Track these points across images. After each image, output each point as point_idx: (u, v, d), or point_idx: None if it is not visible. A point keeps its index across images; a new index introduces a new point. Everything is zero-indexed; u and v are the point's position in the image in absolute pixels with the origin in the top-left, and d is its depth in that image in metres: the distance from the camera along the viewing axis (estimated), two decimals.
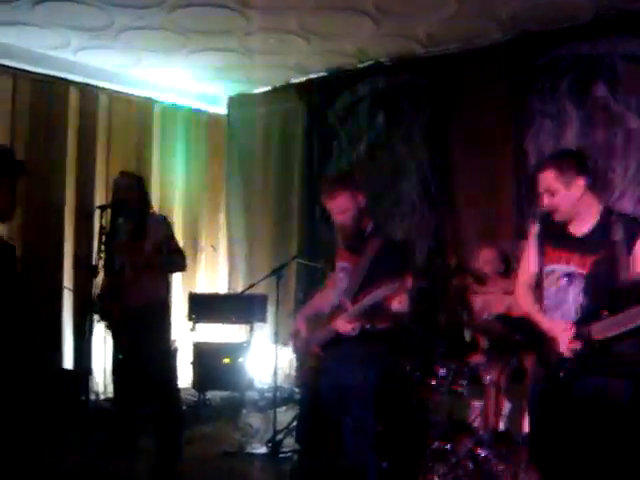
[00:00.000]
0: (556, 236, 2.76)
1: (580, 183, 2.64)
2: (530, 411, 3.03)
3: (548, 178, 2.67)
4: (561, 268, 2.72)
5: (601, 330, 2.53)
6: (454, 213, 5.24)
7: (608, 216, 2.68)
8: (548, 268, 2.78)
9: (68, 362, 5.79)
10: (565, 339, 2.61)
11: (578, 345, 2.58)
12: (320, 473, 3.52)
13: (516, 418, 4.60)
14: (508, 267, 4.67)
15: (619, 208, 4.18)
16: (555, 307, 2.75)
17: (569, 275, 2.68)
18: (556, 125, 4.71)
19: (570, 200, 2.66)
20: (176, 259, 4.13)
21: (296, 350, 3.54)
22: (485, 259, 4.56)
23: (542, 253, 2.82)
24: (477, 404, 4.36)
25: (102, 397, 5.78)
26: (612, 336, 2.51)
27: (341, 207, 3.19)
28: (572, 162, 2.69)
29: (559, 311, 2.73)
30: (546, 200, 2.70)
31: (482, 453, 3.97)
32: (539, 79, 4.81)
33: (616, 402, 2.58)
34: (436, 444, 3.99)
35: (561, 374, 2.66)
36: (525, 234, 4.66)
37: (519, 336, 3.03)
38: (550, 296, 2.78)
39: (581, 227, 2.70)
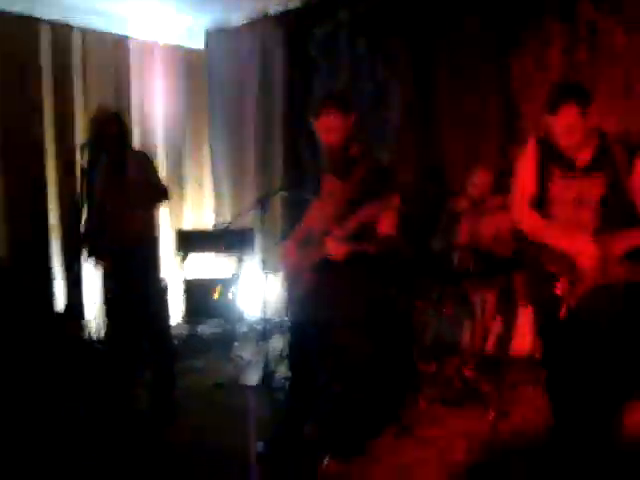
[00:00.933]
0: (560, 160, 2.80)
1: (593, 112, 2.69)
2: (542, 333, 3.09)
3: (571, 116, 2.67)
4: (571, 191, 2.77)
5: (616, 244, 2.65)
6: (439, 135, 5.18)
7: (605, 139, 2.74)
8: (557, 191, 2.82)
9: (60, 305, 5.80)
10: (587, 254, 2.69)
11: (599, 262, 2.67)
12: (312, 399, 3.59)
13: (505, 339, 4.70)
14: (500, 183, 4.67)
15: (604, 125, 4.19)
16: (568, 228, 2.79)
17: (579, 198, 2.75)
18: (539, 45, 4.62)
19: (585, 132, 2.70)
20: (158, 193, 4.10)
21: (286, 276, 3.56)
22: (480, 182, 4.54)
23: (546, 177, 2.85)
24: (465, 326, 4.44)
25: (95, 338, 5.81)
26: (624, 254, 2.64)
27: (330, 126, 3.12)
28: (587, 94, 2.72)
29: (572, 231, 2.78)
30: (566, 138, 2.71)
31: (470, 374, 4.06)
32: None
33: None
34: (424, 366, 4.07)
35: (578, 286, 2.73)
36: (510, 154, 4.72)
37: (523, 256, 3.01)
38: (561, 220, 2.82)
39: (584, 153, 2.76)
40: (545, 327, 3.05)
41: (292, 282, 3.47)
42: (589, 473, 2.86)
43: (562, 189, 2.81)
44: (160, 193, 4.10)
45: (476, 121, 4.94)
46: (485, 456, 3.39)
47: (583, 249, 2.72)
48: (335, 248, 3.05)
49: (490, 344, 4.34)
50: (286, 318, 5.63)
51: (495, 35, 4.85)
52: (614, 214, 2.71)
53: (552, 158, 2.84)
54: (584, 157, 2.77)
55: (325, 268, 3.20)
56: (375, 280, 3.43)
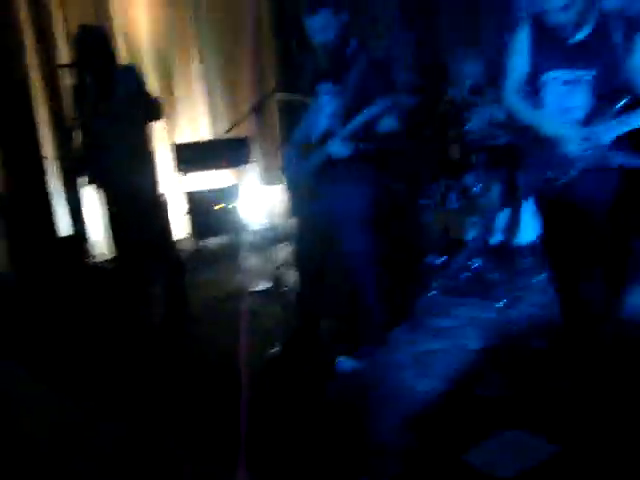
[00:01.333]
0: (553, 42, 2.68)
1: None
2: (540, 214, 3.08)
3: None
4: (565, 73, 2.68)
5: (614, 128, 2.58)
6: (434, 26, 5.01)
7: (602, 17, 2.59)
8: (550, 75, 2.72)
9: (63, 231, 5.79)
10: (575, 140, 2.65)
11: (588, 147, 2.63)
12: (321, 299, 3.64)
13: (511, 229, 4.71)
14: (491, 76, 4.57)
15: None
16: (560, 113, 2.73)
17: (573, 80, 2.65)
18: None
19: (582, 7, 2.55)
20: (152, 108, 4.01)
21: (288, 180, 3.52)
22: (471, 73, 4.45)
23: (537, 59, 2.75)
24: (470, 219, 4.43)
25: (101, 259, 5.83)
26: (623, 133, 2.57)
27: (322, 24, 3.03)
28: None
29: (565, 117, 2.72)
30: (562, 15, 2.57)
31: (476, 264, 4.09)
32: None
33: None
34: (431, 258, 4.10)
35: (569, 172, 2.72)
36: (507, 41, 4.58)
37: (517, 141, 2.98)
38: (552, 102, 2.75)
39: (580, 32, 2.62)
40: (543, 213, 3.04)
41: (294, 187, 3.44)
42: (593, 357, 2.92)
43: (555, 69, 2.71)
44: (154, 108, 4.00)
45: (474, 7, 4.76)
46: (497, 342, 3.46)
47: (570, 134, 2.67)
48: (337, 148, 3.00)
49: (495, 234, 4.35)
50: (290, 220, 5.63)
51: None
52: (608, 96, 2.61)
53: (545, 38, 2.72)
54: (580, 34, 2.64)
55: (328, 168, 3.16)
56: (379, 175, 3.40)
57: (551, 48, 2.71)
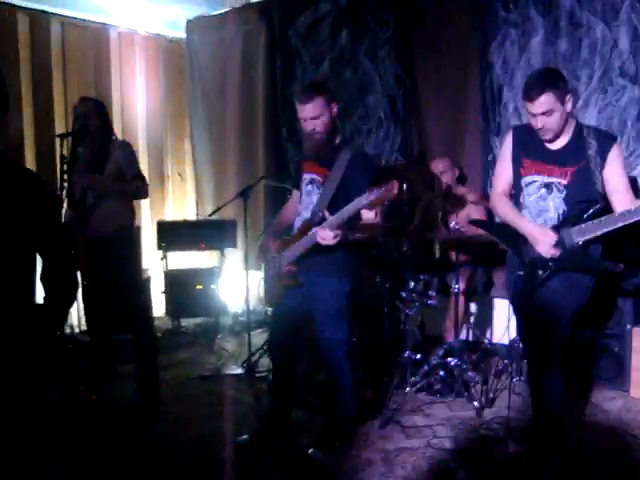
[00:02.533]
0: (534, 149, 2.89)
1: (570, 100, 2.77)
2: (514, 311, 3.17)
3: (548, 100, 2.72)
4: (541, 179, 2.85)
5: (579, 234, 2.75)
6: (421, 127, 5.19)
7: (581, 130, 2.82)
8: (528, 179, 2.91)
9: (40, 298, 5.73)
10: (547, 243, 2.81)
11: (558, 250, 2.79)
12: (294, 387, 3.60)
13: (484, 327, 4.75)
14: (462, 175, 4.74)
15: (584, 117, 4.24)
16: (537, 215, 2.90)
17: (549, 185, 2.83)
18: (521, 34, 4.64)
19: (562, 117, 2.77)
20: (138, 185, 4.06)
21: (267, 269, 3.53)
22: (440, 170, 4.60)
23: (519, 164, 2.95)
24: (447, 314, 4.47)
25: (77, 330, 5.76)
26: (588, 239, 2.75)
27: (314, 112, 3.11)
28: (564, 80, 2.80)
29: (540, 219, 2.88)
30: (542, 121, 2.77)
31: (452, 361, 4.08)
32: None
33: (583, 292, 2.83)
34: (407, 354, 4.09)
35: (540, 272, 2.86)
36: (490, 148, 4.77)
37: (495, 237, 3.10)
38: (530, 205, 2.92)
39: (559, 143, 2.84)
40: (516, 313, 3.15)
41: (273, 275, 3.44)
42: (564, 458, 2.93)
43: (534, 174, 2.88)
44: (140, 186, 4.05)
45: (459, 109, 4.94)
46: (470, 443, 3.42)
47: (542, 237, 2.82)
48: (325, 236, 3.02)
49: (469, 332, 4.37)
50: (267, 308, 5.64)
51: (477, 24, 4.85)
52: (581, 202, 2.78)
53: (527, 145, 2.92)
54: (558, 144, 2.84)
55: (309, 257, 3.19)
56: (360, 267, 3.43)
57: (532, 154, 2.90)
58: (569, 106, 2.78)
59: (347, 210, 2.94)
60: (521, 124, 2.98)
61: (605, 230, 2.71)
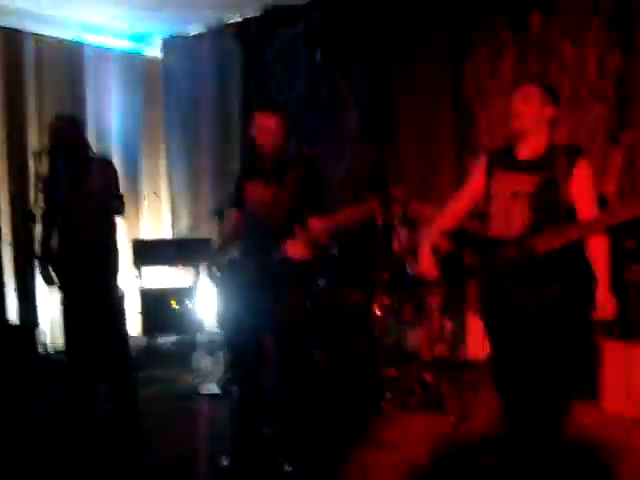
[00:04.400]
0: (504, 161, 2.94)
1: (550, 109, 2.83)
2: (485, 329, 3.18)
3: (531, 90, 2.84)
4: (509, 188, 2.89)
5: (543, 243, 2.76)
6: (394, 147, 5.25)
7: (552, 146, 2.87)
8: (496, 189, 2.94)
9: (13, 317, 5.67)
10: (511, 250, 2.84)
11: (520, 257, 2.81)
12: (261, 408, 3.57)
13: (457, 342, 4.78)
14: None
15: (555, 136, 4.32)
16: (504, 224, 2.91)
17: (515, 194, 2.85)
18: (493, 53, 4.74)
19: (537, 116, 2.82)
20: (118, 204, 4.07)
21: (221, 290, 3.49)
22: (400, 198, 4.64)
23: (490, 177, 2.99)
24: (422, 331, 4.50)
25: (51, 350, 5.70)
26: (552, 248, 2.74)
27: (268, 127, 3.15)
28: (553, 91, 2.89)
29: (507, 227, 2.89)
30: (519, 105, 2.83)
31: (429, 378, 4.11)
32: (476, 9, 4.81)
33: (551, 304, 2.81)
34: (384, 371, 4.11)
35: (504, 284, 2.87)
36: (465, 161, 4.84)
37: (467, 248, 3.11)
38: (498, 214, 2.94)
39: (528, 153, 2.87)
40: (487, 327, 3.13)
41: (229, 295, 3.42)
42: (539, 472, 2.94)
43: (502, 183, 2.92)
44: (120, 205, 4.06)
45: (431, 129, 5.02)
46: (446, 459, 3.44)
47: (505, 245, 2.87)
48: (298, 251, 3.03)
49: (443, 348, 4.41)
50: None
51: (448, 44, 4.94)
52: (546, 211, 2.81)
53: (499, 159, 2.98)
54: (528, 154, 2.88)
55: (273, 278, 3.18)
56: (331, 284, 3.44)
57: (502, 166, 2.95)
58: (546, 112, 2.82)
59: (316, 226, 2.96)
60: (494, 148, 3.03)
61: (565, 240, 2.72)
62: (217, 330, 5.92)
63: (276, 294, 3.21)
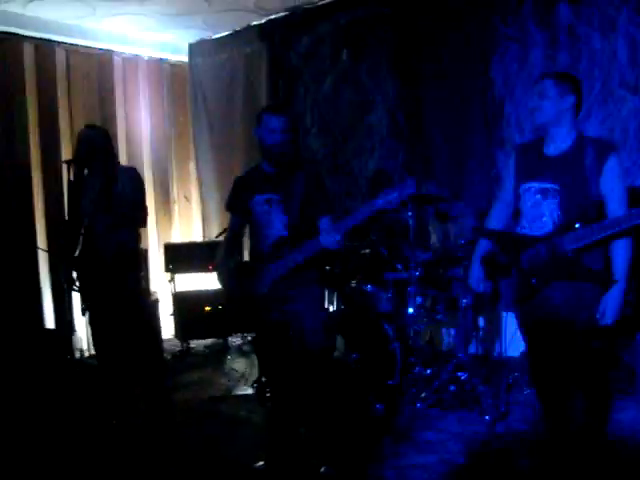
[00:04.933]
0: (533, 157, 2.92)
1: (570, 98, 2.80)
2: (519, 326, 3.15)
3: (546, 83, 2.82)
4: (537, 184, 2.86)
5: (573, 240, 2.71)
6: (423, 145, 5.22)
7: (581, 140, 2.82)
8: (525, 186, 2.91)
9: (50, 323, 5.77)
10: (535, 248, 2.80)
11: (547, 255, 2.77)
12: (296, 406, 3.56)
13: (492, 340, 4.74)
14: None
15: (585, 129, 4.26)
16: (532, 221, 2.89)
17: (544, 191, 2.83)
18: (521, 48, 4.69)
19: (556, 108, 2.80)
20: (141, 215, 4.09)
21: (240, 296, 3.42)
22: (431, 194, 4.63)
23: (520, 173, 2.97)
24: (457, 329, 4.47)
25: (87, 355, 5.78)
26: (582, 246, 2.70)
27: (287, 125, 3.15)
28: (569, 79, 2.87)
29: (536, 224, 2.87)
30: (536, 101, 2.84)
31: (463, 376, 4.08)
32: (502, 1, 4.77)
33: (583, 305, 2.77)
34: (418, 370, 4.09)
35: (533, 280, 2.83)
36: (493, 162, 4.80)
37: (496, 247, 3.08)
38: (527, 211, 2.92)
39: (557, 148, 2.85)
40: (522, 326, 3.11)
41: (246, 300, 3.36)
42: (580, 471, 2.90)
43: (530, 181, 2.89)
44: (142, 217, 4.08)
45: (461, 124, 4.98)
46: (482, 459, 3.41)
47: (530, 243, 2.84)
48: (330, 240, 2.95)
49: (477, 346, 4.38)
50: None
51: (477, 39, 4.89)
52: (575, 208, 2.77)
53: (527, 154, 2.96)
54: (556, 150, 2.85)
55: (298, 274, 3.13)
56: (359, 280, 3.41)
57: (531, 162, 2.92)
58: (568, 103, 2.79)
59: (358, 214, 2.90)
60: (523, 141, 3.00)
61: (594, 238, 2.66)
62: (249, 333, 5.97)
63: (295, 296, 3.18)
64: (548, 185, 2.82)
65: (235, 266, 3.41)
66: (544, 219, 2.84)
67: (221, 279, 3.43)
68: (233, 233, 3.49)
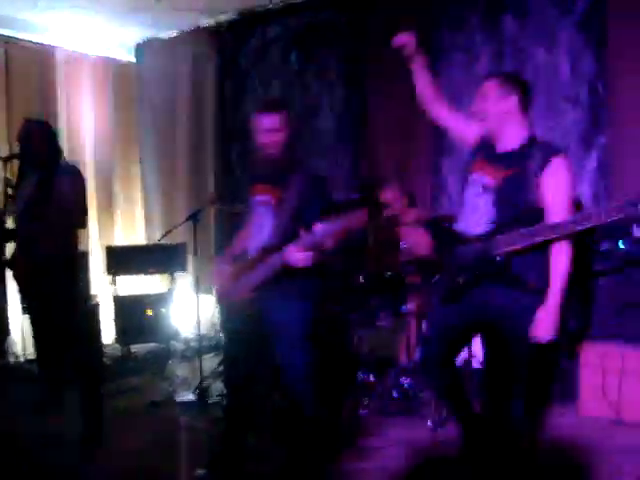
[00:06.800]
0: (485, 150, 2.91)
1: (513, 98, 2.78)
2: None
3: (489, 85, 2.82)
4: (479, 178, 2.85)
5: (503, 244, 2.68)
6: (371, 149, 5.24)
7: (532, 141, 2.79)
8: (473, 176, 2.90)
9: None
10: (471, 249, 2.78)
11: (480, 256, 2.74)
12: (250, 412, 3.53)
13: None
14: (413, 199, 4.76)
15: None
16: (471, 213, 2.87)
17: (485, 186, 2.81)
18: (467, 58, 4.76)
19: (500, 110, 2.79)
20: (81, 216, 3.95)
21: (222, 296, 3.42)
22: (389, 199, 4.62)
23: (471, 162, 2.95)
24: (399, 335, 4.49)
25: (22, 359, 5.59)
26: (510, 251, 2.67)
27: (273, 125, 3.04)
28: (512, 79, 2.86)
29: (474, 217, 2.85)
30: (479, 104, 2.84)
31: (406, 382, 4.10)
32: (450, 12, 4.83)
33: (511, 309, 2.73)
34: (361, 376, 4.08)
35: (460, 281, 2.82)
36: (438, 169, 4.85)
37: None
38: (468, 202, 2.91)
39: (505, 146, 2.83)
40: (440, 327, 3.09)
41: (229, 302, 3.36)
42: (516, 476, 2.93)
43: (477, 172, 2.88)
44: (81, 218, 3.93)
45: (408, 132, 5.01)
46: (424, 465, 3.42)
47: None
48: (296, 256, 2.92)
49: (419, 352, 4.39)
50: (220, 335, 5.58)
51: (425, 47, 4.92)
52: (511, 209, 2.72)
53: (483, 146, 2.93)
54: (504, 147, 2.83)
55: (272, 281, 3.09)
56: (321, 291, 3.37)
57: (482, 154, 2.91)
58: (512, 102, 2.77)
59: (322, 230, 2.86)
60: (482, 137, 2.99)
61: (524, 244, 2.63)
62: (192, 337, 5.88)
63: (279, 301, 3.12)
64: (488, 180, 2.80)
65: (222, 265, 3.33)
66: (480, 214, 2.81)
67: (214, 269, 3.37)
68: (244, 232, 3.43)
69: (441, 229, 3.01)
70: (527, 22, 4.57)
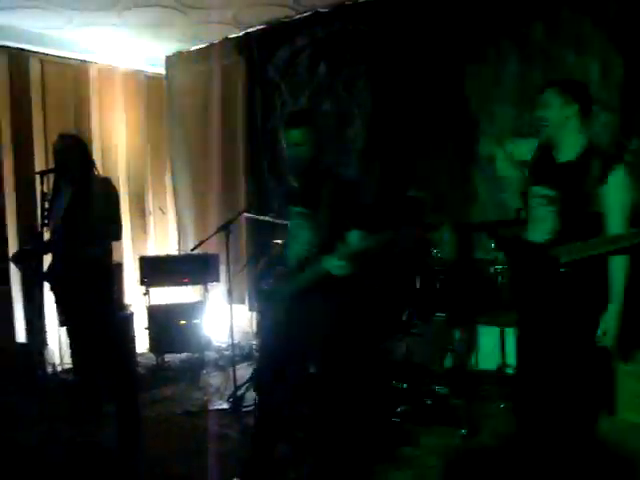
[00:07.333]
0: (544, 162, 2.93)
1: (573, 107, 2.81)
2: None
3: (550, 93, 2.83)
4: (541, 189, 2.87)
5: (567, 252, 2.67)
6: (401, 158, 5.23)
7: (590, 149, 2.80)
8: (534, 190, 2.92)
9: (22, 337, 5.67)
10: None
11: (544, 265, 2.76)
12: (280, 422, 3.54)
13: (466, 353, 4.74)
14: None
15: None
16: (534, 225, 2.90)
17: (547, 197, 2.82)
18: (494, 66, 4.74)
19: (560, 118, 2.81)
20: (115, 228, 4.01)
21: (263, 301, 3.46)
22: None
23: (531, 175, 2.99)
24: (433, 343, 4.47)
25: (59, 368, 5.69)
26: (576, 259, 2.64)
27: (300, 139, 3.10)
28: (573, 86, 2.88)
29: (537, 230, 2.88)
30: (540, 112, 2.86)
31: (439, 389, 4.08)
32: (478, 18, 4.82)
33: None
34: (394, 384, 4.08)
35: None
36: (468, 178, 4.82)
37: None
38: (531, 215, 2.95)
39: (564, 156, 2.84)
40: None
41: (266, 309, 3.39)
42: None
43: (538, 185, 2.89)
44: (116, 231, 4.00)
45: (438, 139, 5.00)
46: (458, 472, 3.40)
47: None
48: (336, 264, 2.96)
49: (452, 360, 4.39)
50: (254, 343, 5.62)
51: (453, 57, 4.93)
52: (574, 219, 2.75)
53: (541, 158, 2.96)
54: (564, 157, 2.84)
55: (305, 295, 3.13)
56: (353, 302, 3.39)
57: (541, 166, 2.94)
58: (572, 111, 2.79)
59: (362, 243, 2.92)
60: (540, 144, 3.00)
61: (587, 254, 2.60)
62: (225, 347, 5.93)
63: (310, 308, 3.15)
64: (550, 192, 2.82)
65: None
66: (544, 226, 2.83)
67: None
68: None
69: (508, 238, 3.05)
70: (557, 28, 4.54)
